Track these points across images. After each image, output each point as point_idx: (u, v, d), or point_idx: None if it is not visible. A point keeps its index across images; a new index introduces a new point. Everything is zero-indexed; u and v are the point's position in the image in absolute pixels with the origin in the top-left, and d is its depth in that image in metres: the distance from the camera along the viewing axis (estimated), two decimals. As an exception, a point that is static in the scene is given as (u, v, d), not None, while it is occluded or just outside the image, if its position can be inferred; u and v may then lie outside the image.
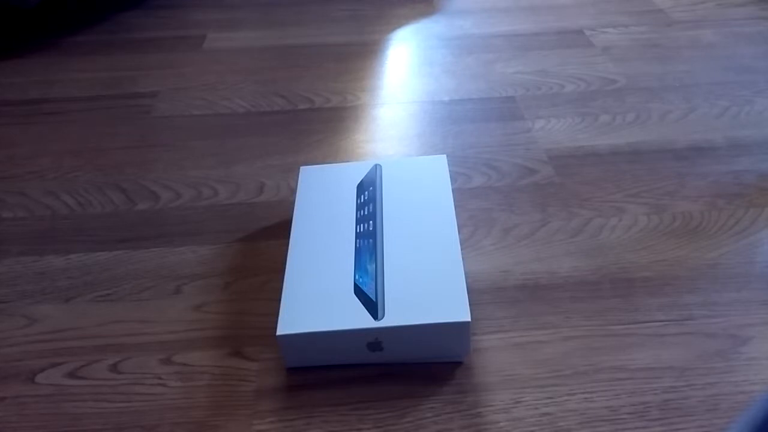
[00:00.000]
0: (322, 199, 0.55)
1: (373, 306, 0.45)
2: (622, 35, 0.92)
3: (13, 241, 0.59)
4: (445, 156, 0.59)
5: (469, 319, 0.43)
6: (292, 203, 0.57)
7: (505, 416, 0.43)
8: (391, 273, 0.47)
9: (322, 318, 0.44)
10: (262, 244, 0.58)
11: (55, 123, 0.77)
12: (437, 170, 0.57)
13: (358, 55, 0.90)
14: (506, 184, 0.64)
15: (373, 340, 0.44)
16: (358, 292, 0.46)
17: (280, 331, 0.44)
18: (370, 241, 0.50)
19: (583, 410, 0.43)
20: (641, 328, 0.48)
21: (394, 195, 0.54)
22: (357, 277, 0.47)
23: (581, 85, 0.80)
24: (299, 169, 0.60)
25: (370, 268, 0.48)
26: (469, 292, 0.46)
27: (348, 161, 0.67)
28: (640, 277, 0.53)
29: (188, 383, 0.46)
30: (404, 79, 0.84)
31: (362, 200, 0.54)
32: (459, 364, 0.46)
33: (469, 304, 0.44)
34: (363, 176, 0.57)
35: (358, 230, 0.51)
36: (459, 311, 0.44)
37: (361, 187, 0.56)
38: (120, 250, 0.58)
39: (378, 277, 0.47)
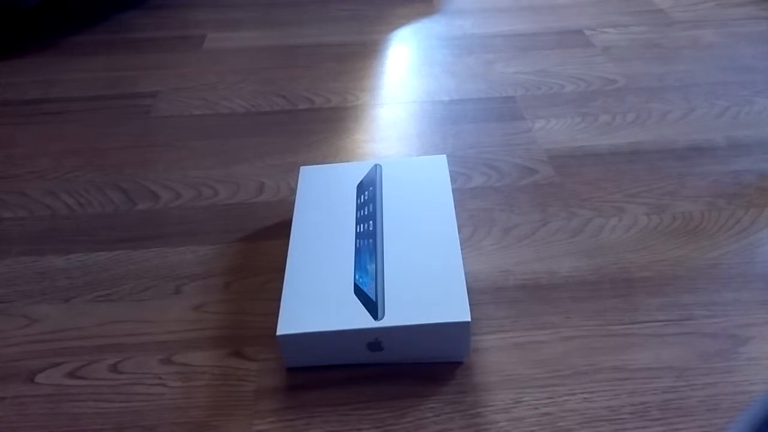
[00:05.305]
0: (322, 199, 0.55)
1: (373, 306, 0.45)
2: (622, 35, 0.92)
3: (13, 241, 0.59)
4: (445, 156, 0.59)
5: (470, 319, 0.43)
6: (292, 203, 0.57)
7: (505, 416, 0.43)
8: (391, 273, 0.47)
9: (322, 318, 0.44)
10: (262, 244, 0.58)
11: (55, 123, 0.77)
12: (437, 170, 0.57)
13: (358, 55, 0.90)
14: (506, 184, 0.64)
15: (373, 340, 0.44)
16: (358, 292, 0.46)
17: (280, 331, 0.44)
18: (370, 241, 0.50)
19: (583, 410, 0.43)
20: (641, 328, 0.48)
21: (394, 195, 0.54)
22: (357, 277, 0.47)
23: (581, 85, 0.80)
24: (299, 169, 0.60)
25: (370, 268, 0.48)
26: (469, 292, 0.46)
27: (348, 161, 0.67)
28: (640, 277, 0.53)
29: (188, 383, 0.46)
30: (404, 79, 0.84)
31: (362, 200, 0.54)
32: (459, 364, 0.46)
33: (469, 304, 0.44)
34: (363, 176, 0.57)
35: (358, 230, 0.51)
36: (459, 311, 0.44)
37: (361, 187, 0.56)
38: (120, 250, 0.58)
39: (378, 277, 0.47)
